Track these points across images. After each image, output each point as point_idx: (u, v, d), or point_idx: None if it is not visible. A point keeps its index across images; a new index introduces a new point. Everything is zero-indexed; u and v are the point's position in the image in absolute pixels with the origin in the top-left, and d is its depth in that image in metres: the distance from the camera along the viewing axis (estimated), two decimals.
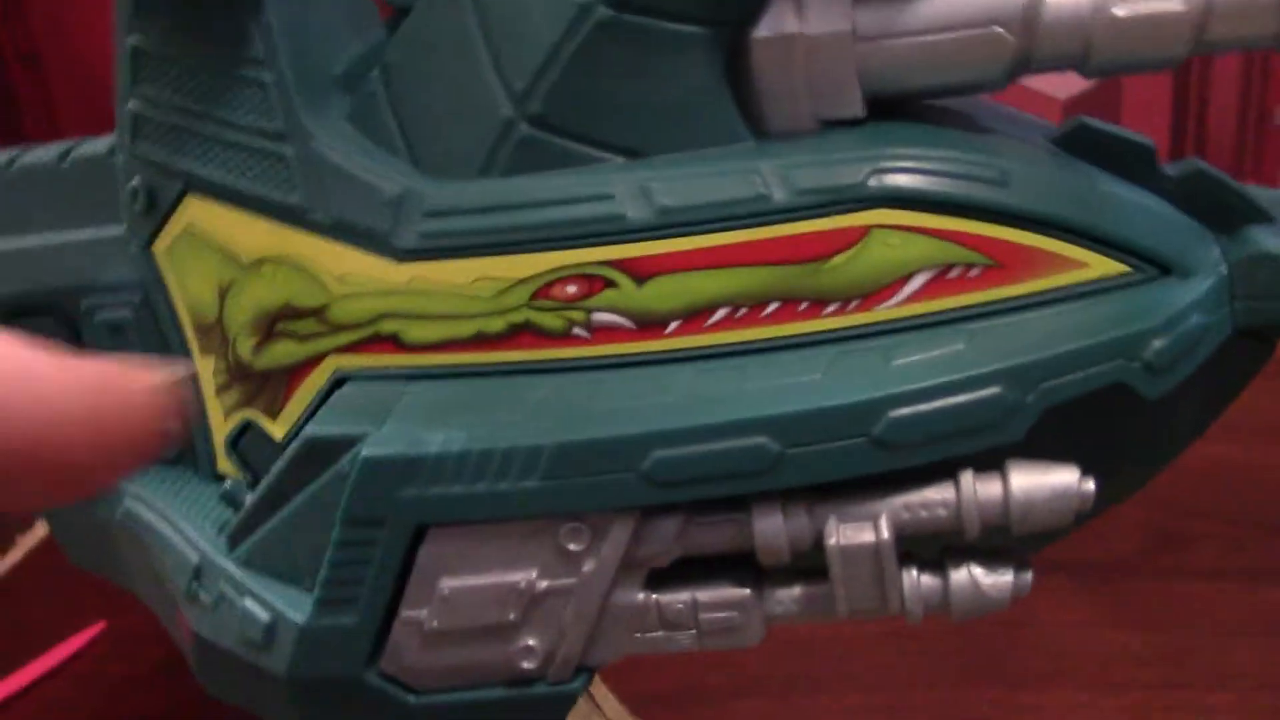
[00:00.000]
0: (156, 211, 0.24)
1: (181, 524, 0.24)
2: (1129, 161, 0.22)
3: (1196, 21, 0.20)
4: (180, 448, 0.25)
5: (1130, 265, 0.21)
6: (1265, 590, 0.43)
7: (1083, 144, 0.22)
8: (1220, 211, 0.22)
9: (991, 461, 0.21)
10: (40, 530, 0.56)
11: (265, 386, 0.23)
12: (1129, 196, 0.22)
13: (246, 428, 0.24)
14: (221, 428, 0.24)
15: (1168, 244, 0.21)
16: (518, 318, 0.21)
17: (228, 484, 0.24)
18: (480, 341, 0.21)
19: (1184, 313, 0.21)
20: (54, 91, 0.97)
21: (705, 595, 0.22)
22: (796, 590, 0.22)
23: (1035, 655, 0.42)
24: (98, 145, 0.25)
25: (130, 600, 0.52)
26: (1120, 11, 0.20)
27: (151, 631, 0.50)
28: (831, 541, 0.21)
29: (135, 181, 0.24)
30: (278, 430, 0.23)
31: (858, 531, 0.21)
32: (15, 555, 0.54)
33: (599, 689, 0.41)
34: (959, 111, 0.23)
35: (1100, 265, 0.21)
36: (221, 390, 0.24)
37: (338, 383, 0.22)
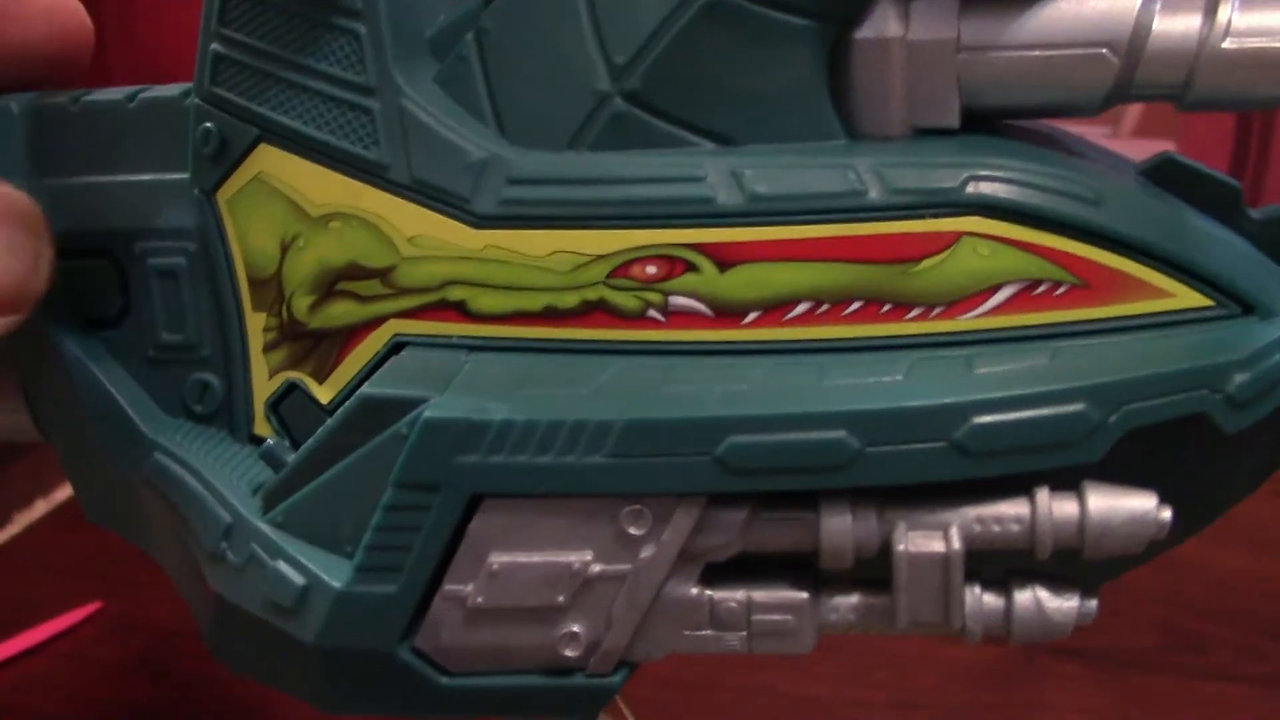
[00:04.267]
0: (226, 157, 0.23)
1: (213, 482, 0.23)
2: (1213, 199, 0.22)
3: None
4: (215, 406, 0.24)
5: (1214, 300, 0.21)
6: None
7: (1169, 178, 0.22)
8: None
9: (1065, 482, 0.20)
10: (40, 508, 0.56)
11: (317, 347, 0.23)
12: (1215, 232, 0.21)
13: (290, 390, 0.23)
14: (264, 388, 0.24)
15: (1251, 283, 0.21)
16: (592, 295, 0.21)
17: (270, 442, 0.23)
18: (550, 316, 0.21)
19: (1266, 351, 0.20)
20: (114, 80, 0.98)
21: (761, 595, 0.21)
22: (855, 598, 0.21)
23: None
24: (168, 90, 0.25)
25: (125, 586, 0.52)
26: (1228, 45, 0.20)
27: (143, 619, 0.50)
28: (900, 548, 0.20)
29: (208, 124, 0.23)
30: (325, 394, 0.23)
31: (928, 540, 0.20)
32: (12, 530, 0.54)
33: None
34: (1047, 135, 0.23)
35: (1185, 297, 0.20)
36: (269, 348, 0.24)
37: (395, 348, 0.22)
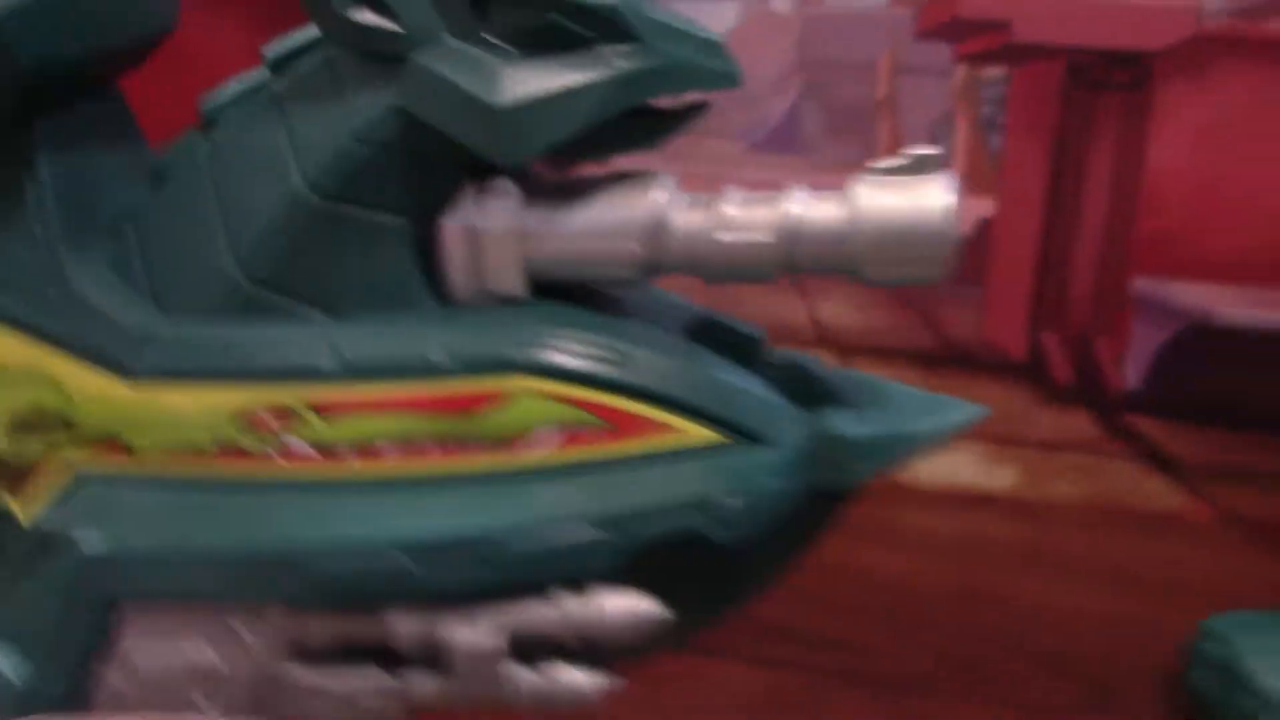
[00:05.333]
0: None
1: None
2: (740, 349, 0.29)
3: (785, 250, 0.26)
4: None
5: (721, 434, 0.26)
6: None
7: (705, 332, 0.29)
8: (809, 395, 0.28)
9: (587, 586, 0.26)
10: None
11: (16, 476, 0.28)
12: (730, 378, 0.27)
13: None
14: None
15: (756, 419, 0.27)
16: (227, 438, 0.26)
17: None
18: (196, 455, 0.26)
19: (758, 475, 0.26)
20: None
21: (352, 680, 0.27)
22: (430, 680, 0.27)
23: None
24: None
25: None
26: (724, 238, 0.27)
27: None
28: (455, 642, 0.26)
29: None
30: (24, 516, 0.28)
31: (478, 635, 0.26)
32: None
33: None
34: (618, 298, 0.29)
35: (696, 433, 0.26)
36: None
37: (76, 481, 0.27)
